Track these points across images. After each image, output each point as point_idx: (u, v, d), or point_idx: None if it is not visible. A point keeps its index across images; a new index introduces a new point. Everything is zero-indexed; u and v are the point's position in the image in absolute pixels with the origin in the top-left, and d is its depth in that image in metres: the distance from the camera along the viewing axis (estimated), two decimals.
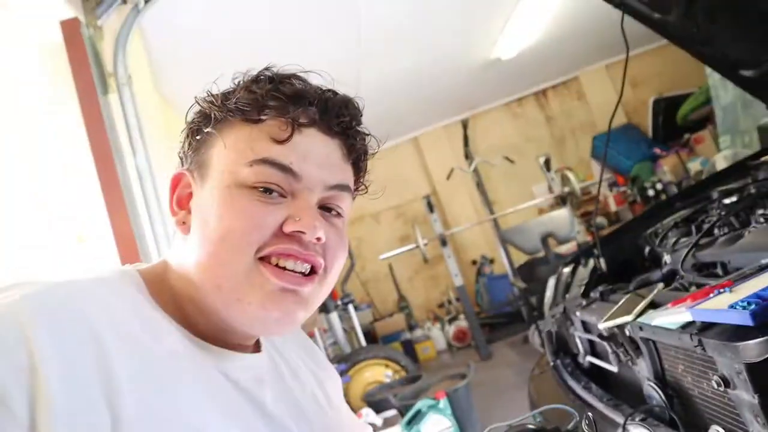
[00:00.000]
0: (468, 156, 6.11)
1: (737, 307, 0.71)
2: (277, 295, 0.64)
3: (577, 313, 1.42)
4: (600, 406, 1.13)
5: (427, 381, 3.51)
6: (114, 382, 0.51)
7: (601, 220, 5.96)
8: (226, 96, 0.68)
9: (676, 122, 6.35)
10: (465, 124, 6.20)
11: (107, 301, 0.58)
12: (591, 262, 1.78)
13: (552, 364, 1.57)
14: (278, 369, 0.76)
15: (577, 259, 1.91)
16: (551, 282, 1.88)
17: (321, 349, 4.77)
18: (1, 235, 1.71)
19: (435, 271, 7.31)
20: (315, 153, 0.68)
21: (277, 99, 0.66)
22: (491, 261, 6.76)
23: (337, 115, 0.70)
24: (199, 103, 0.70)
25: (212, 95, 0.69)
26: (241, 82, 0.69)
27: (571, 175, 5.25)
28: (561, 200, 5.17)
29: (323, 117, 0.69)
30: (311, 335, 4.50)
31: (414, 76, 5.40)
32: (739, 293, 0.78)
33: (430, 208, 5.45)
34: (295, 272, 0.65)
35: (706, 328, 0.81)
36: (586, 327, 1.40)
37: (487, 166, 6.25)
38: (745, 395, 0.70)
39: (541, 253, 4.76)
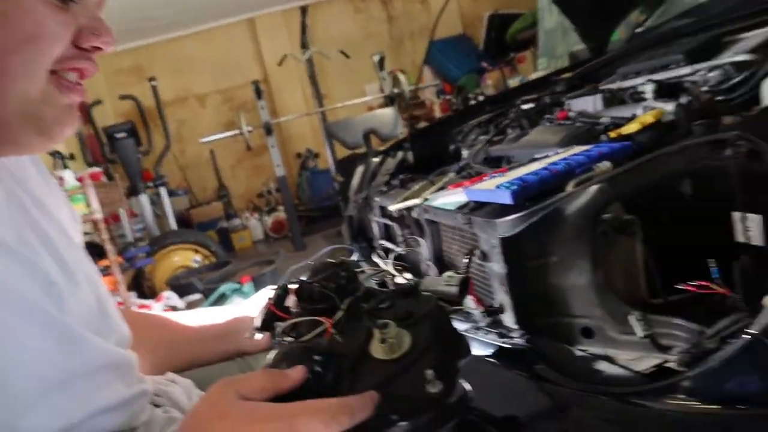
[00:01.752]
0: (304, 45, 5.88)
1: (502, 187, 0.75)
2: (69, 110, 0.62)
3: (377, 199, 1.45)
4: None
5: (235, 267, 3.50)
6: None
7: (424, 124, 6.19)
8: None
9: (505, 41, 6.66)
10: (304, 11, 5.91)
11: None
12: (400, 154, 1.83)
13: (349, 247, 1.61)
14: (20, 202, 0.66)
15: (387, 151, 1.94)
16: (359, 170, 1.90)
17: (128, 234, 4.48)
18: None
19: (258, 160, 7.14)
20: None
21: None
22: (316, 155, 6.78)
23: None
24: None
25: None
26: None
27: (402, 77, 5.32)
28: (390, 100, 5.24)
29: None
30: (115, 217, 4.18)
31: None
32: (508, 177, 0.83)
33: (258, 94, 5.22)
34: (80, 85, 0.61)
35: (477, 208, 0.85)
36: (384, 212, 1.44)
37: (323, 59, 6.09)
38: (496, 267, 0.75)
39: (363, 149, 4.84)
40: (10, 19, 0.54)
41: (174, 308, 2.92)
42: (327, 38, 7.13)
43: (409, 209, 1.15)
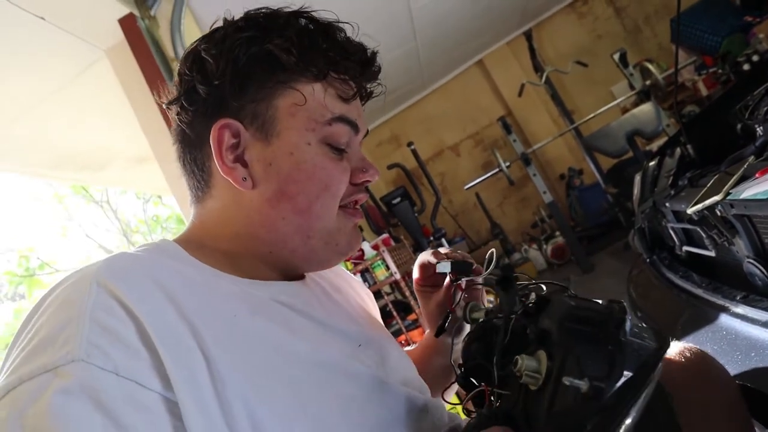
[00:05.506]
0: (538, 68, 5.85)
1: None
2: (355, 231, 0.76)
3: (667, 204, 1.37)
4: (699, 292, 1.10)
5: None
6: (197, 329, 0.56)
7: (692, 107, 5.57)
8: (304, 49, 0.68)
9: None
10: (528, 36, 5.92)
11: (165, 264, 0.62)
12: (678, 151, 1.70)
13: (648, 260, 1.53)
14: (323, 288, 0.82)
15: (662, 150, 1.82)
16: (637, 179, 1.81)
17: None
18: None
19: (523, 192, 7.19)
20: (360, 107, 0.75)
21: (343, 58, 0.70)
22: (580, 172, 6.55)
23: (375, 73, 0.75)
24: (274, 50, 0.67)
25: (293, 44, 0.67)
26: (296, 31, 0.69)
27: (651, 66, 4.92)
28: (644, 95, 4.87)
29: (367, 76, 0.74)
30: (409, 275, 4.59)
31: None
32: None
33: (507, 129, 5.31)
34: (358, 210, 0.76)
35: None
36: (678, 216, 1.35)
37: (560, 75, 5.98)
38: None
39: (630, 154, 4.54)
40: (313, 176, 0.69)
41: None
42: (558, 54, 6.99)
43: (710, 208, 1.07)
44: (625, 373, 0.51)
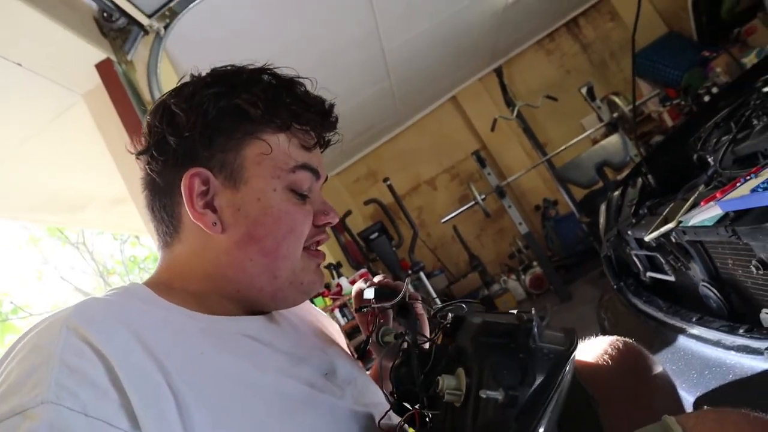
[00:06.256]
0: (509, 103, 6.00)
1: (759, 189, 0.73)
2: (319, 271, 0.80)
3: (629, 232, 1.43)
4: (661, 315, 1.15)
5: None
6: (164, 366, 0.58)
7: (659, 137, 5.75)
8: (269, 102, 0.73)
9: (721, 19, 5.98)
10: (499, 72, 6.08)
11: (133, 306, 0.65)
12: (640, 181, 1.77)
13: (615, 286, 1.59)
14: (288, 320, 0.85)
15: (625, 181, 1.90)
16: (603, 208, 1.88)
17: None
18: None
19: (500, 224, 7.28)
20: (320, 155, 0.81)
21: (304, 110, 0.75)
22: (555, 203, 6.67)
23: (333, 123, 0.81)
24: (242, 104, 0.72)
25: (259, 98, 0.72)
26: (261, 86, 0.74)
27: (617, 99, 5.08)
28: (612, 127, 5.02)
29: (326, 126, 0.80)
30: None
31: (437, 35, 5.35)
32: (763, 176, 0.79)
33: (482, 162, 5.41)
34: (319, 250, 0.81)
35: (740, 217, 0.82)
36: (640, 243, 1.41)
37: (531, 109, 6.13)
38: None
39: (600, 184, 4.66)
40: (279, 220, 0.73)
41: None
42: (529, 89, 7.18)
43: (666, 235, 1.13)
44: (538, 376, 0.55)
